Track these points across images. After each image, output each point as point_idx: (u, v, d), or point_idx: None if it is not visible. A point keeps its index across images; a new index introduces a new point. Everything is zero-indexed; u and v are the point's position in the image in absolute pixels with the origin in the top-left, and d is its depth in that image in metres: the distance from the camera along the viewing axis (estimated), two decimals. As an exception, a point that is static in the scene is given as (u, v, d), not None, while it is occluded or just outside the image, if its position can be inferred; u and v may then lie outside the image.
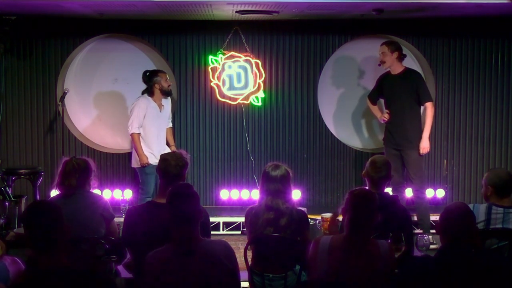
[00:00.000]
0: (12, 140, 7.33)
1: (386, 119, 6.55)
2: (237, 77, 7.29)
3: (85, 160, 4.41)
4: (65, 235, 2.89)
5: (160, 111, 6.50)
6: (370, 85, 7.28)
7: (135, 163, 6.52)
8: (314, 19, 7.14)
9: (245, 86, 7.31)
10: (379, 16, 6.31)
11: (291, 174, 4.28)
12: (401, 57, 6.49)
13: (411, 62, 7.40)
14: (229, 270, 3.23)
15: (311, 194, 7.44)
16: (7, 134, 7.31)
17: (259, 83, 7.30)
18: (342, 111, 7.72)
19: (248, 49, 7.27)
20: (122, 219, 4.56)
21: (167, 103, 6.62)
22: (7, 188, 6.36)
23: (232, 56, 7.27)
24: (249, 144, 7.40)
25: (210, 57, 7.25)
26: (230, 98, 7.28)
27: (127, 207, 4.88)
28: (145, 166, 6.38)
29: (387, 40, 6.66)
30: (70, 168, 4.30)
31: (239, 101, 7.30)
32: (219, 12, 6.55)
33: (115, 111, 7.60)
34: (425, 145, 6.38)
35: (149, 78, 6.49)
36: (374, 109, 6.88)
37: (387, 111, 6.59)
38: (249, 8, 6.20)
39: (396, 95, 6.48)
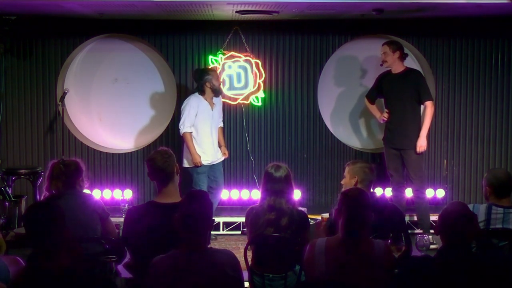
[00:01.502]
0: (12, 140, 7.32)
1: (386, 119, 6.55)
2: (237, 77, 7.28)
3: (75, 162, 4.39)
4: (66, 236, 2.89)
5: (212, 110, 6.45)
6: (371, 85, 7.28)
7: (186, 163, 6.44)
8: (314, 19, 7.14)
9: (245, 86, 7.31)
10: (379, 16, 6.31)
11: (291, 174, 4.30)
12: (403, 57, 6.49)
13: (411, 62, 7.39)
14: (233, 281, 3.19)
15: (311, 194, 7.44)
16: (7, 134, 7.31)
17: (259, 83, 7.30)
18: (342, 111, 7.72)
19: (248, 49, 7.27)
20: (122, 219, 4.57)
21: (218, 102, 6.57)
22: (7, 188, 6.36)
23: (232, 56, 7.26)
24: (249, 144, 7.40)
25: (210, 57, 7.25)
26: (230, 98, 7.28)
27: (127, 207, 4.88)
28: (198, 166, 6.34)
29: (388, 40, 6.67)
30: (57, 172, 4.28)
31: (239, 101, 7.29)
32: (219, 12, 6.55)
33: (115, 111, 7.60)
34: (422, 144, 6.37)
35: (200, 76, 6.44)
36: (373, 109, 6.88)
37: (386, 110, 6.58)
38: (249, 8, 6.20)
39: (397, 94, 6.48)
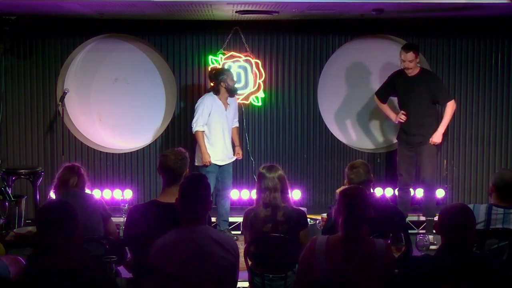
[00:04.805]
0: (12, 140, 7.32)
1: (403, 121, 6.49)
2: (237, 77, 7.27)
3: (79, 167, 4.53)
4: (77, 236, 2.92)
5: (226, 110, 6.45)
6: (371, 85, 7.29)
7: (197, 161, 6.48)
8: (314, 19, 7.14)
9: (245, 86, 7.31)
10: (379, 16, 6.31)
11: (285, 174, 4.32)
12: (419, 60, 6.48)
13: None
14: (231, 263, 3.30)
15: (311, 194, 7.44)
16: (7, 134, 7.31)
17: (259, 83, 7.30)
18: (342, 111, 7.72)
19: (248, 49, 7.27)
20: (122, 219, 4.57)
21: (233, 102, 6.57)
22: (7, 188, 6.35)
23: (232, 56, 7.27)
24: (249, 144, 7.40)
25: (210, 57, 7.25)
26: (230, 98, 7.28)
27: (127, 207, 4.89)
28: (207, 165, 6.36)
29: (410, 45, 6.49)
30: (68, 172, 4.41)
31: (239, 101, 7.28)
32: (219, 12, 6.55)
33: (115, 111, 7.60)
34: (435, 140, 6.35)
35: (215, 76, 6.45)
36: (385, 109, 6.79)
37: (403, 112, 6.51)
38: (249, 8, 6.20)
39: (413, 96, 6.41)
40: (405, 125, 6.50)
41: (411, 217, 6.86)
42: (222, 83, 6.39)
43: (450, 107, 6.41)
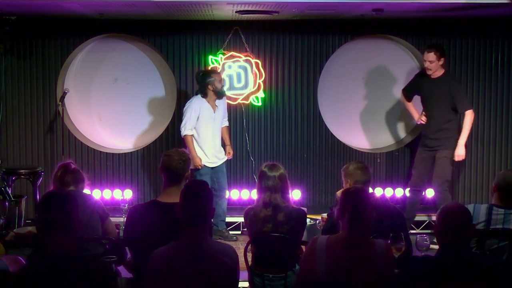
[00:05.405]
0: (12, 140, 7.32)
1: (424, 122, 6.48)
2: (237, 77, 7.28)
3: (66, 165, 4.52)
4: (78, 227, 2.93)
5: (214, 112, 6.41)
6: (371, 85, 7.28)
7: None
8: (314, 19, 7.14)
9: (245, 86, 7.31)
10: (379, 16, 6.31)
11: (287, 173, 4.31)
12: (445, 62, 6.41)
13: (411, 62, 7.40)
14: (231, 275, 3.21)
15: (311, 194, 7.44)
16: (7, 134, 7.31)
17: (259, 83, 7.30)
18: (342, 111, 7.72)
19: (248, 49, 7.27)
20: (122, 219, 4.57)
21: (221, 103, 6.50)
22: (7, 188, 6.34)
23: (232, 56, 7.26)
24: (249, 144, 7.40)
25: (210, 57, 7.25)
26: (230, 98, 7.27)
27: (127, 207, 4.89)
28: (198, 169, 6.31)
29: (434, 45, 6.40)
30: (64, 171, 4.40)
31: (239, 101, 7.30)
32: (219, 12, 6.55)
33: (115, 111, 7.60)
34: (459, 153, 6.30)
35: (202, 78, 6.39)
36: (409, 107, 6.75)
37: (424, 113, 6.50)
38: (249, 8, 6.20)
39: (434, 99, 6.39)
40: (425, 127, 6.50)
41: (419, 218, 6.87)
42: (209, 86, 6.34)
43: (468, 117, 6.34)
